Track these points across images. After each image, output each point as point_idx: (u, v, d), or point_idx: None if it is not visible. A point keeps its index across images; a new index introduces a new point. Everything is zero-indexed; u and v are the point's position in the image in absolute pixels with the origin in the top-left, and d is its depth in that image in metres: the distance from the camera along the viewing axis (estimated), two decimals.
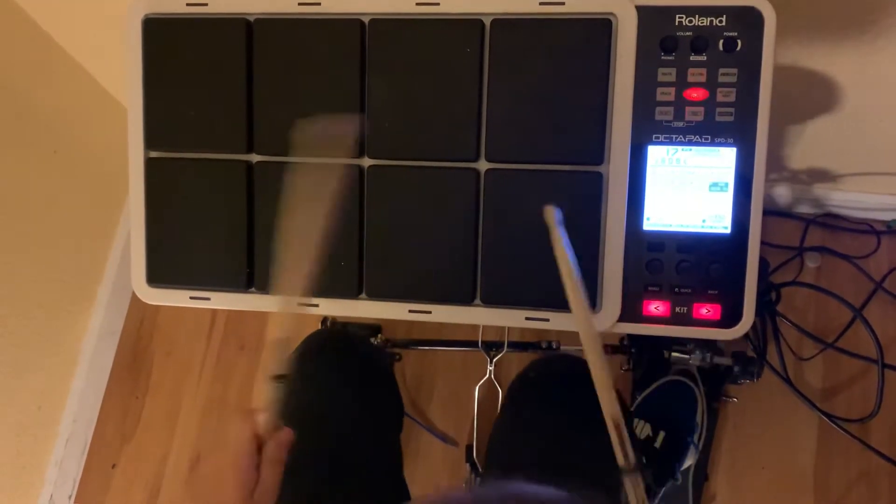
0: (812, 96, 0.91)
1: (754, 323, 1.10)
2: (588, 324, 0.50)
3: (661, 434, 1.03)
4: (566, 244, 0.51)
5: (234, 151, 0.64)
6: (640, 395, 1.09)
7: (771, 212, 1.22)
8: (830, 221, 1.21)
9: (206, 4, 0.63)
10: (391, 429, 0.85)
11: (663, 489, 1.02)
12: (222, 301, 0.67)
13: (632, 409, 1.08)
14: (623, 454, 0.50)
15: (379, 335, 1.21)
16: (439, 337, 1.20)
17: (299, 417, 0.74)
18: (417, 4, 0.60)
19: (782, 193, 1.18)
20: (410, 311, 0.63)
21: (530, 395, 0.78)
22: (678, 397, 1.06)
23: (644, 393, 1.07)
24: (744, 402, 1.16)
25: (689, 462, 1.05)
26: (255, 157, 0.64)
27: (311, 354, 0.81)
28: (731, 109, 0.57)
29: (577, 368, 0.77)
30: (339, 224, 0.63)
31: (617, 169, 0.59)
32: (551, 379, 0.78)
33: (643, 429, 1.04)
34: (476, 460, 1.17)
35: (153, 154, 0.66)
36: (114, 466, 1.36)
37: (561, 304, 0.61)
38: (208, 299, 0.67)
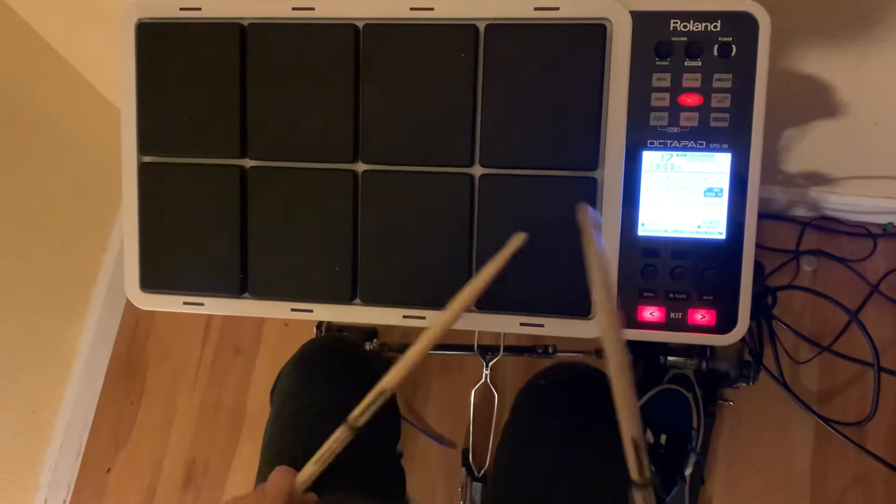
0: (807, 100, 0.91)
1: (750, 326, 1.10)
2: (618, 337, 0.47)
3: (664, 438, 1.03)
4: (601, 247, 0.48)
5: (228, 156, 0.64)
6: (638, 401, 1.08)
7: (767, 215, 1.22)
8: (826, 225, 1.21)
9: (199, 9, 0.63)
10: (392, 435, 0.84)
11: (671, 494, 1.02)
12: (216, 306, 0.66)
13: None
14: (638, 470, 0.48)
15: (374, 339, 1.21)
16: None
17: (298, 421, 0.74)
18: (412, 9, 0.60)
19: (778, 197, 1.18)
20: (404, 317, 0.63)
21: (541, 403, 0.77)
22: (673, 405, 1.06)
23: (641, 401, 1.07)
24: (740, 406, 1.16)
25: (689, 468, 1.05)
26: (248, 162, 0.64)
27: (311, 359, 0.81)
28: (726, 115, 0.57)
29: (587, 376, 0.76)
30: (333, 229, 0.63)
31: (611, 174, 0.59)
32: (562, 387, 0.77)
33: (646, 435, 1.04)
34: (472, 464, 1.16)
35: (146, 159, 0.66)
36: (108, 471, 1.35)
37: (555, 310, 0.61)
38: (202, 305, 0.66)
